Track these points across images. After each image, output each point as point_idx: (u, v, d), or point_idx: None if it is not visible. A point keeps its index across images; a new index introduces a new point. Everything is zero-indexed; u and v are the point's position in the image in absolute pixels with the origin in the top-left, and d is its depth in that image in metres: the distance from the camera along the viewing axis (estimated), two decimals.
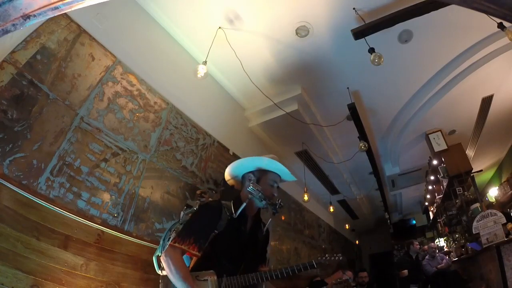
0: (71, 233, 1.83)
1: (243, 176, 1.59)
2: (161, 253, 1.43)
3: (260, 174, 1.54)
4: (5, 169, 1.64)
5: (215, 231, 1.39)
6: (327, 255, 1.47)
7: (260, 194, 1.45)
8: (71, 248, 1.80)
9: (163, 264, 1.30)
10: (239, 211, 1.44)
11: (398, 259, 5.89)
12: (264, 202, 1.47)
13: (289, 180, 1.65)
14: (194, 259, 1.41)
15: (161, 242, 1.50)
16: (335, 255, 1.47)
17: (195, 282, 1.25)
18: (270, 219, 1.58)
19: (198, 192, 1.73)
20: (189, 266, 1.39)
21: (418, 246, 5.29)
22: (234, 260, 1.40)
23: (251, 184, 1.47)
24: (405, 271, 4.81)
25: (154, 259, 1.51)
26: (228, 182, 1.68)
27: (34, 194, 1.71)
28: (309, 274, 4.01)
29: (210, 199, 1.65)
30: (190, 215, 1.53)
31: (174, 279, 1.24)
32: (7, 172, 1.65)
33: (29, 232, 1.62)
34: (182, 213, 1.58)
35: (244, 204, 1.45)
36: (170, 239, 1.41)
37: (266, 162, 1.54)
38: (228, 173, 1.64)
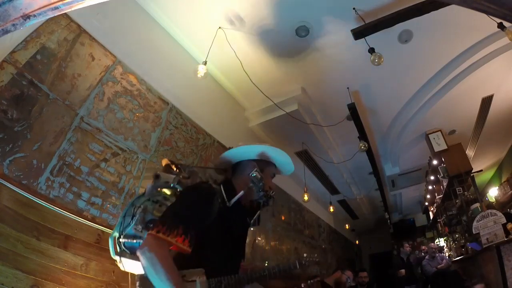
0: (71, 233, 1.83)
1: (241, 163, 1.42)
2: (120, 233, 1.15)
3: (264, 165, 1.42)
4: (5, 169, 1.64)
5: (206, 221, 1.16)
6: (305, 255, 1.47)
7: (261, 184, 1.32)
8: (71, 248, 1.80)
9: (144, 261, 0.96)
10: (234, 200, 1.27)
11: (393, 260, 5.90)
12: (262, 192, 1.34)
13: (287, 174, 1.56)
14: (173, 252, 1.08)
15: (120, 219, 1.17)
16: (312, 256, 1.50)
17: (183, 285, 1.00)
18: (259, 212, 1.41)
19: (166, 162, 1.36)
20: None
21: (409, 248, 5.26)
22: (225, 256, 1.22)
23: (255, 172, 1.32)
24: (402, 271, 4.82)
25: (110, 240, 1.17)
26: (215, 165, 1.51)
27: (34, 194, 1.71)
28: (308, 274, 4.01)
29: (185, 176, 1.36)
30: (160, 190, 1.24)
31: (160, 283, 0.94)
32: (7, 172, 1.65)
33: (29, 232, 1.62)
34: (149, 186, 1.26)
35: (242, 192, 1.29)
36: (136, 219, 1.13)
37: (272, 153, 1.44)
38: (223, 157, 1.46)
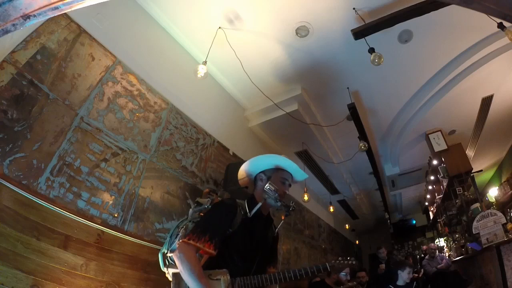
0: (71, 233, 1.83)
1: (257, 176, 1.59)
2: (167, 250, 1.42)
3: (271, 173, 1.55)
4: (5, 169, 1.64)
5: (230, 229, 1.38)
6: (340, 258, 1.49)
7: (276, 194, 1.47)
8: (71, 248, 1.80)
9: (176, 261, 1.24)
10: (253, 211, 1.45)
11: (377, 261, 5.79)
12: (279, 203, 1.48)
13: (301, 179, 1.65)
14: (205, 257, 1.38)
15: (167, 239, 1.48)
16: (348, 258, 1.50)
17: (209, 281, 1.23)
18: (282, 221, 1.63)
19: (206, 190, 1.69)
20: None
21: (383, 252, 5.18)
22: (247, 260, 1.39)
23: (268, 184, 1.48)
24: (383, 265, 4.80)
25: (159, 256, 1.47)
26: (240, 183, 1.67)
27: (34, 194, 1.71)
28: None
29: (219, 198, 1.63)
30: (199, 213, 1.51)
31: (187, 277, 1.20)
32: (7, 172, 1.65)
33: (29, 232, 1.62)
34: (190, 210, 1.56)
35: (260, 204, 1.47)
36: (179, 236, 1.40)
37: (279, 160, 1.56)
38: (241, 173, 1.63)
